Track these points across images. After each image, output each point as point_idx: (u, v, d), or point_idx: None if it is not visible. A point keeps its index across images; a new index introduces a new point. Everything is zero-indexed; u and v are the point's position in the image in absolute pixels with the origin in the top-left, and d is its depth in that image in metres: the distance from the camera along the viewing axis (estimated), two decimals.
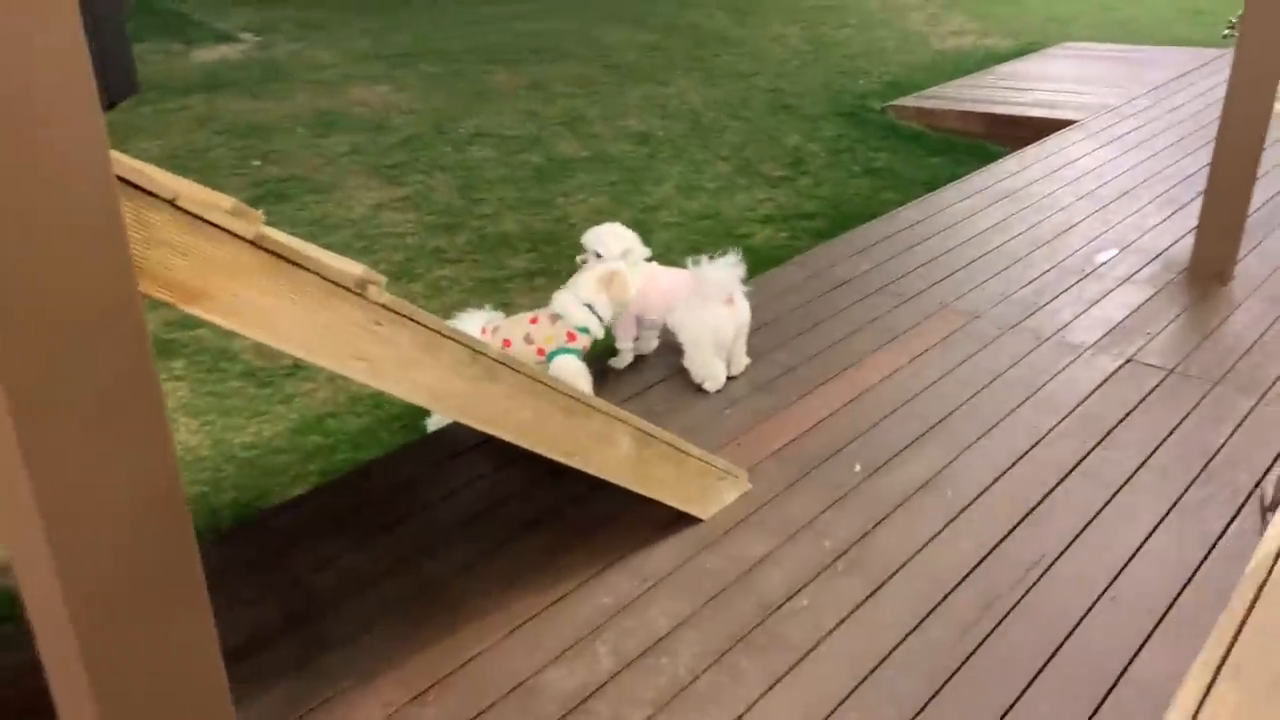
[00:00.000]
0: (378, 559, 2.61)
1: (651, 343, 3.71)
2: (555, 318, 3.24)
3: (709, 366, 3.41)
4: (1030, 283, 4.12)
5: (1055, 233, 4.66)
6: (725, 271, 3.32)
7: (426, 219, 5.52)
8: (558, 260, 4.95)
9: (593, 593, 2.45)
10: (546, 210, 5.67)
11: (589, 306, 3.25)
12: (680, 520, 2.65)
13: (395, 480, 3.01)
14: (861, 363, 3.53)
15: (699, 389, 3.42)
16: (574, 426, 2.29)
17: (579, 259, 3.49)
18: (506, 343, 3.21)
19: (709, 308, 3.35)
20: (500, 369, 2.09)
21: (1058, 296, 3.98)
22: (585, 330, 3.24)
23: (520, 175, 6.19)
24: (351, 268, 1.78)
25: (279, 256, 1.62)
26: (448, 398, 2.01)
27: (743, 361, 3.55)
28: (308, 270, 1.67)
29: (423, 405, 2.04)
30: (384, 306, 1.80)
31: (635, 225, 3.62)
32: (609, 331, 3.40)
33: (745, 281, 3.33)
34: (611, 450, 2.40)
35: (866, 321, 3.86)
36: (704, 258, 3.36)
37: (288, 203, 5.68)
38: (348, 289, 1.73)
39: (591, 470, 2.36)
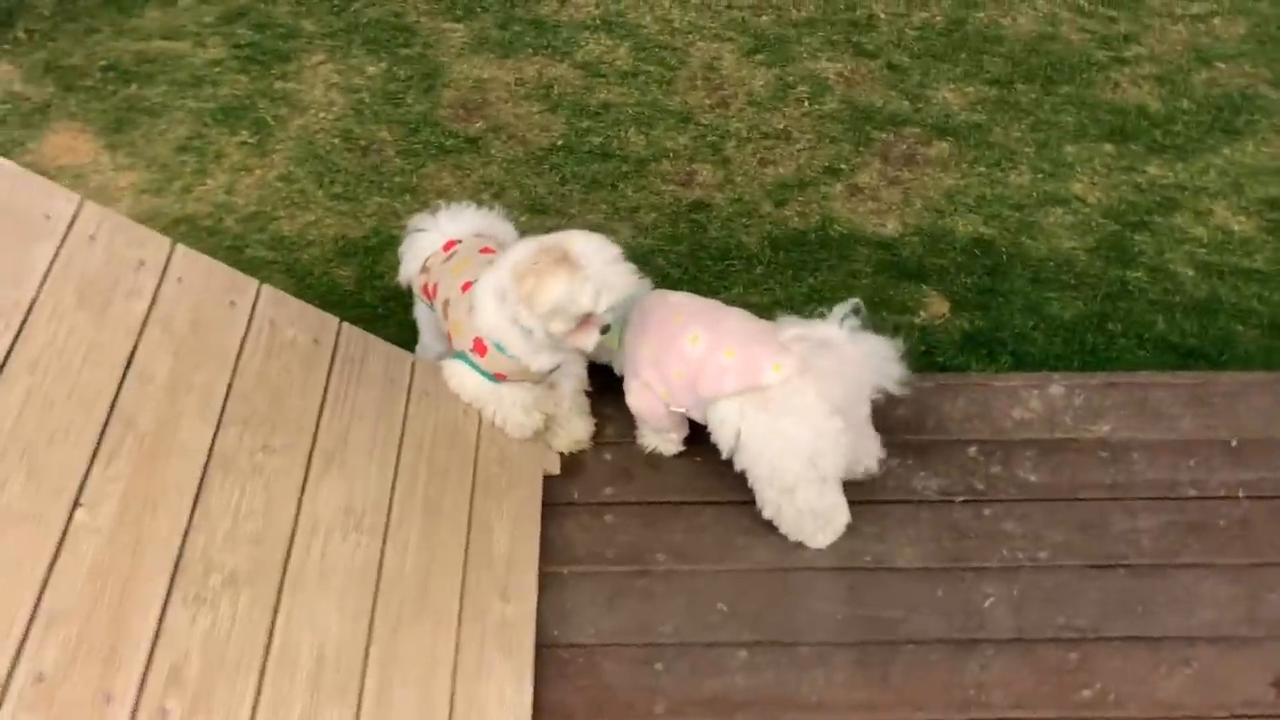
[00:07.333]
0: None
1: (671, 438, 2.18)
2: (470, 307, 2.00)
3: (812, 512, 1.94)
4: None
5: None
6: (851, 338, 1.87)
7: None
8: None
9: None
10: None
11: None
12: None
13: None
14: None
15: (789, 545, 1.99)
16: None
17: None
18: (430, 290, 2.17)
19: (811, 406, 1.84)
20: None
21: None
22: (499, 349, 1.97)
23: None
24: None
25: None
26: None
27: (875, 452, 2.05)
28: None
29: None
30: None
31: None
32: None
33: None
34: None
35: None
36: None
37: None
38: None
39: None
